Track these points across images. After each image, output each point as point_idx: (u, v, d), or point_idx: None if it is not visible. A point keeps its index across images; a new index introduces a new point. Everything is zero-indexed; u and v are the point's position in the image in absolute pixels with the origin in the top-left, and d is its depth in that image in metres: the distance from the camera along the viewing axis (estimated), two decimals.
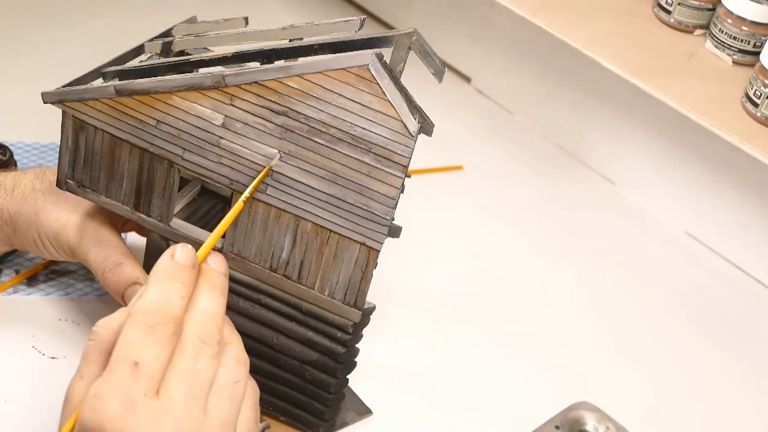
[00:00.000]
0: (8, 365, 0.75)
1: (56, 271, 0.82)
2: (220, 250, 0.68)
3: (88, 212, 0.72)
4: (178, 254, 0.58)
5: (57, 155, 0.69)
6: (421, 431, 0.77)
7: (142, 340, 0.55)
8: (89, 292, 0.81)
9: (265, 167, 0.64)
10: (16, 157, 0.87)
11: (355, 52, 0.63)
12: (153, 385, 0.54)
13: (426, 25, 0.76)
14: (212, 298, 0.59)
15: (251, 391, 0.59)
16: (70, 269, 0.82)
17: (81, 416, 0.54)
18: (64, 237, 0.72)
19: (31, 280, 0.81)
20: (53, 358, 0.75)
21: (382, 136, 0.62)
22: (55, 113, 0.68)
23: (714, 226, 0.98)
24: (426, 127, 0.63)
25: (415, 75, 0.69)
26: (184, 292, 0.57)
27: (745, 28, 0.85)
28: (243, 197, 0.63)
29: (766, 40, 0.84)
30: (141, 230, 0.77)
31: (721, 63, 0.88)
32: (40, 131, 0.93)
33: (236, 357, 0.59)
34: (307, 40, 0.68)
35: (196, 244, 0.68)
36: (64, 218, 0.72)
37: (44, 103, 0.67)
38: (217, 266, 0.60)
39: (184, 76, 0.64)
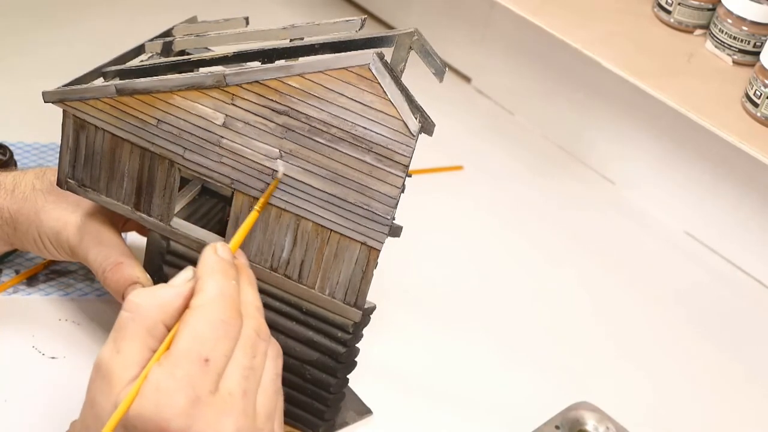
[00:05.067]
0: (8, 365, 0.75)
1: (56, 271, 0.82)
2: None
3: (88, 212, 0.72)
4: (221, 251, 0.58)
5: (57, 155, 0.69)
6: (421, 431, 0.77)
7: (214, 335, 0.54)
8: (89, 292, 0.81)
9: (269, 170, 0.64)
10: (16, 157, 0.87)
11: (357, 52, 0.63)
12: (217, 380, 0.54)
13: (426, 25, 0.76)
14: (254, 292, 0.59)
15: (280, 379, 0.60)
16: (70, 269, 0.82)
17: (140, 407, 0.53)
18: (65, 237, 0.72)
19: (31, 280, 0.81)
20: (53, 358, 0.75)
21: (383, 136, 0.62)
22: (55, 113, 0.68)
23: (714, 226, 0.98)
24: (427, 126, 0.63)
25: (416, 75, 0.69)
26: (237, 288, 0.57)
27: (745, 28, 0.85)
28: (256, 207, 0.64)
29: (766, 40, 0.84)
30: (141, 230, 0.77)
31: (721, 63, 0.88)
32: (40, 131, 0.93)
33: (277, 350, 0.59)
34: (308, 40, 0.68)
35: (199, 244, 0.68)
36: (64, 218, 0.72)
37: (45, 102, 0.67)
38: (245, 261, 0.62)
39: (185, 76, 0.64)
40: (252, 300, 0.59)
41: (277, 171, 0.64)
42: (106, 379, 0.55)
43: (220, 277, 0.57)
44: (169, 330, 0.56)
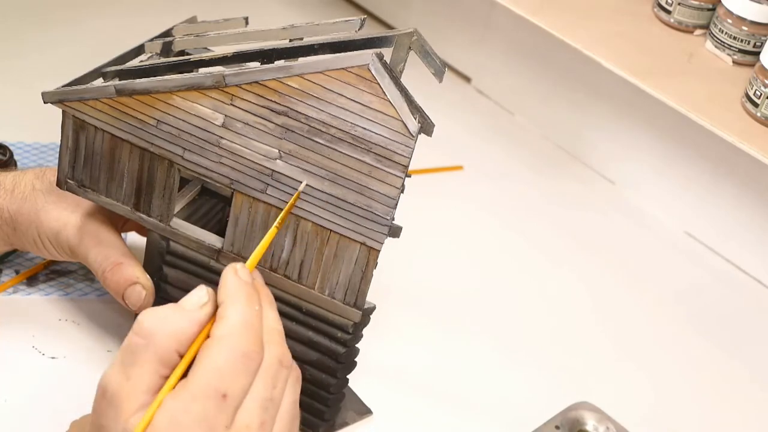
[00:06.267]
0: (8, 365, 0.75)
1: (56, 271, 0.82)
2: (219, 250, 0.68)
3: (88, 212, 0.72)
4: (241, 273, 0.57)
5: (57, 155, 0.69)
6: (421, 431, 0.77)
7: (233, 370, 0.53)
8: (89, 292, 0.81)
9: (268, 170, 0.64)
10: (16, 157, 0.87)
11: (356, 52, 0.63)
12: (233, 414, 0.53)
13: (426, 25, 0.76)
14: (275, 315, 0.58)
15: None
16: (70, 269, 0.82)
17: None
18: (64, 237, 0.72)
19: (31, 280, 0.81)
20: (53, 358, 0.75)
21: (383, 136, 0.62)
22: (55, 113, 0.68)
23: (714, 226, 0.98)
24: (426, 127, 0.63)
25: (415, 75, 0.69)
26: (260, 314, 0.56)
27: (745, 28, 0.85)
28: (276, 223, 0.62)
29: (766, 40, 0.84)
30: (141, 230, 0.77)
31: (721, 63, 0.88)
32: (40, 131, 0.93)
33: (297, 375, 0.58)
34: (308, 40, 0.68)
35: (197, 245, 0.68)
36: (64, 218, 0.72)
37: (44, 102, 0.67)
38: (262, 280, 0.60)
39: (184, 76, 0.64)
40: (274, 324, 0.57)
41: (300, 182, 0.64)
42: (113, 405, 0.53)
43: (243, 303, 0.55)
44: (182, 357, 0.55)
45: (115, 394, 0.53)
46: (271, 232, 0.62)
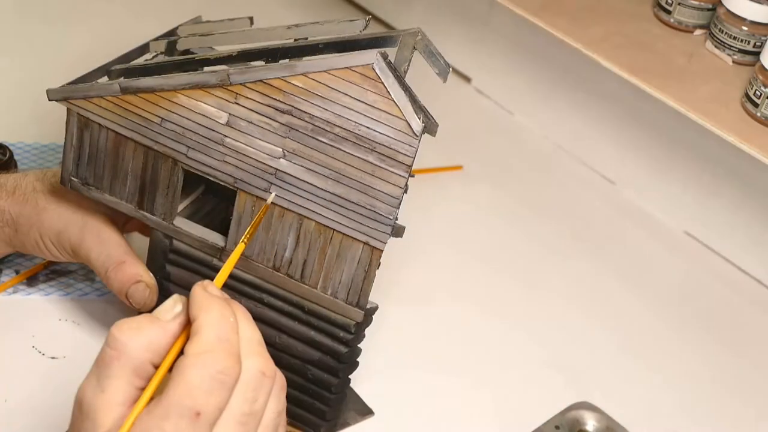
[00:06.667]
0: (8, 365, 0.74)
1: (56, 271, 0.82)
2: (222, 249, 0.68)
3: (89, 212, 0.72)
4: (211, 289, 0.55)
5: (57, 156, 0.69)
6: (422, 431, 0.77)
7: (207, 388, 0.52)
8: (89, 292, 0.80)
9: (272, 169, 0.64)
10: (16, 158, 0.87)
11: (360, 51, 0.63)
12: (209, 430, 0.52)
13: (426, 25, 0.76)
14: (252, 326, 0.56)
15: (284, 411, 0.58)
16: (70, 269, 0.82)
17: None
18: (66, 237, 0.72)
19: (31, 280, 0.81)
20: (53, 358, 0.75)
21: (387, 136, 0.62)
22: (56, 113, 0.68)
23: (714, 226, 0.98)
24: (430, 126, 0.63)
25: (415, 75, 0.69)
26: (235, 326, 0.54)
27: (745, 28, 0.86)
28: (243, 239, 0.62)
29: (766, 40, 0.84)
30: (143, 229, 0.77)
31: (721, 63, 0.88)
32: (40, 131, 0.93)
33: (281, 383, 0.57)
34: (312, 39, 0.68)
35: (200, 243, 0.68)
36: (65, 218, 0.72)
37: (49, 100, 0.67)
38: (228, 297, 0.58)
39: (189, 74, 0.64)
40: (251, 334, 0.55)
41: (270, 193, 0.64)
42: (90, 419, 0.52)
43: (217, 317, 0.53)
44: (156, 368, 0.54)
45: (91, 406, 0.52)
46: (239, 248, 0.61)
